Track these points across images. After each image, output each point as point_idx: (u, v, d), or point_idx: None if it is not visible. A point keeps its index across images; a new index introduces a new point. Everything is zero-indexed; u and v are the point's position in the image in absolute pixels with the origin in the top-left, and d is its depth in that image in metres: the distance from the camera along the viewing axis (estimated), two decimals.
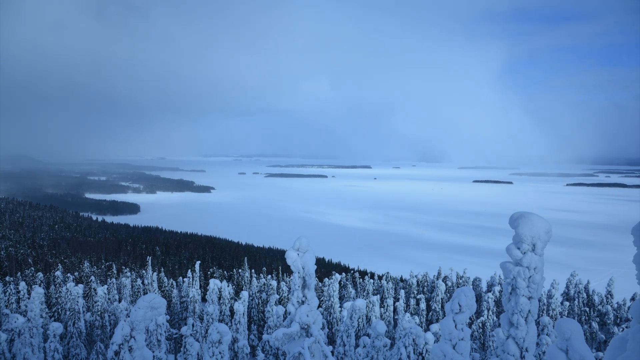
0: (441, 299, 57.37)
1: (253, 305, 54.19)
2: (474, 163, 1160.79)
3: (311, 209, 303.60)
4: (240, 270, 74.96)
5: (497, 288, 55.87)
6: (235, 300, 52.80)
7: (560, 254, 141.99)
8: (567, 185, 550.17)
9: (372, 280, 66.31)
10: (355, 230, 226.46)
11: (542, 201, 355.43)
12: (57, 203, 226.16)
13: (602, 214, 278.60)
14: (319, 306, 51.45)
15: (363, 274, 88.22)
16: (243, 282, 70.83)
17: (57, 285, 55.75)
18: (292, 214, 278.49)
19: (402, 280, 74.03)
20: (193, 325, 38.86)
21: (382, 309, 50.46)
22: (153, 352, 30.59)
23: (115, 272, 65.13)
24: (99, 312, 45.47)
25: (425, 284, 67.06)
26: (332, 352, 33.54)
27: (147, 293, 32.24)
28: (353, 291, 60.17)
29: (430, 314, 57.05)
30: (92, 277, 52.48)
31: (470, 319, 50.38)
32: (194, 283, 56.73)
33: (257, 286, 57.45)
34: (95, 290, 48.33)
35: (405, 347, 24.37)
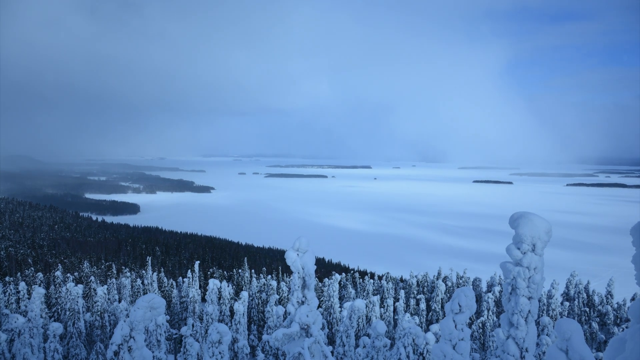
0: (441, 299, 57.37)
1: (253, 306, 54.19)
2: (475, 163, 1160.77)
3: (311, 211, 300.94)
4: (240, 271, 74.96)
5: (497, 288, 55.87)
6: (235, 300, 52.80)
7: (561, 257, 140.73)
8: (567, 185, 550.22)
9: (372, 281, 66.31)
10: (355, 233, 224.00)
11: (542, 202, 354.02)
12: (57, 203, 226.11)
13: (603, 216, 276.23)
14: (319, 306, 51.44)
15: (363, 274, 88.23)
16: (243, 282, 70.84)
17: (57, 286, 55.76)
18: (292, 216, 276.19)
19: (402, 280, 74.03)
20: (193, 326, 38.86)
21: (382, 309, 50.45)
22: (153, 352, 30.60)
23: (115, 272, 65.11)
24: (99, 312, 45.46)
25: (425, 284, 67.06)
26: (332, 353, 33.53)
27: (146, 293, 32.25)
28: (353, 291, 60.16)
29: (430, 314, 57.05)
30: (92, 277, 52.47)
31: (470, 319, 50.38)
32: (193, 283, 56.73)
33: (257, 286, 57.45)
34: (95, 290, 48.31)
35: (405, 347, 24.37)
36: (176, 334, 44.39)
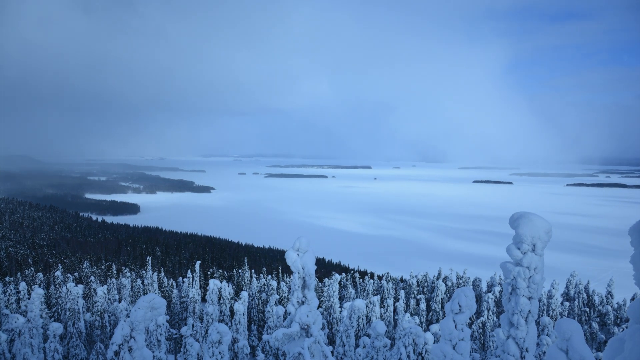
0: (441, 299, 57.37)
1: (253, 306, 54.20)
2: (475, 163, 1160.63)
3: (310, 213, 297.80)
4: (240, 271, 74.97)
5: (497, 288, 55.88)
6: (235, 300, 52.81)
7: (561, 261, 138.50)
8: (567, 185, 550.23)
9: (372, 281, 66.30)
10: (355, 236, 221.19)
11: (543, 203, 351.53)
12: (57, 203, 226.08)
13: (604, 217, 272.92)
14: (319, 306, 51.45)
15: (363, 274, 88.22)
16: (243, 283, 70.84)
17: (57, 286, 55.77)
18: (291, 218, 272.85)
19: (402, 280, 74.04)
20: (193, 326, 38.86)
21: (382, 309, 50.46)
22: (153, 352, 30.60)
23: (115, 272, 65.11)
24: (99, 313, 45.47)
25: (425, 284, 67.06)
26: (332, 353, 33.53)
27: (147, 293, 32.26)
28: (353, 291, 60.16)
29: (430, 314, 57.05)
30: (92, 278, 52.48)
31: (470, 319, 50.39)
32: (194, 283, 56.73)
33: (257, 286, 57.46)
34: (95, 290, 48.32)
35: (405, 347, 24.37)
36: (176, 334, 44.39)
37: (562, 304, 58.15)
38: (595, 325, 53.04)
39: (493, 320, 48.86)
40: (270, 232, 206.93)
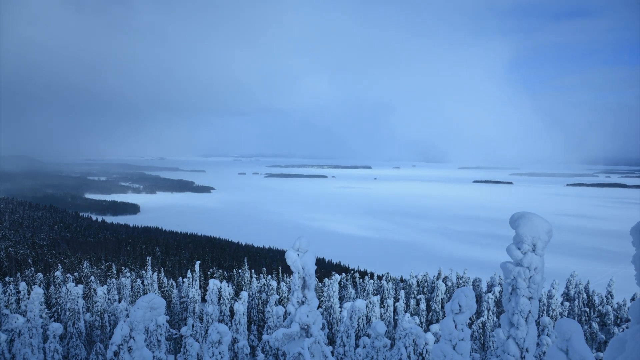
0: (441, 299, 57.37)
1: (253, 306, 54.19)
2: (475, 163, 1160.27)
3: (310, 215, 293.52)
4: (240, 271, 74.97)
5: (497, 288, 55.87)
6: (235, 300, 52.79)
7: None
8: (567, 185, 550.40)
9: (372, 281, 66.30)
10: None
11: (543, 204, 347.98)
12: (57, 203, 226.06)
13: (605, 219, 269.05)
14: (319, 306, 51.44)
15: (363, 274, 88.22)
16: (243, 283, 70.84)
17: (57, 286, 55.77)
18: (290, 220, 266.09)
19: (402, 280, 74.04)
20: (193, 326, 38.86)
21: (382, 309, 50.45)
22: (153, 352, 30.59)
23: (115, 272, 65.13)
24: (99, 313, 45.46)
25: (425, 284, 67.06)
26: (332, 353, 33.53)
27: (146, 293, 32.24)
28: (353, 291, 60.16)
29: (430, 314, 57.05)
30: (92, 278, 52.48)
31: (470, 319, 50.38)
32: (193, 283, 56.73)
33: (257, 286, 57.45)
34: (95, 290, 48.31)
35: (406, 348, 24.37)
36: (176, 334, 44.38)
37: (562, 304, 58.16)
38: (595, 325, 53.03)
39: (493, 320, 48.86)
40: (268, 234, 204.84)
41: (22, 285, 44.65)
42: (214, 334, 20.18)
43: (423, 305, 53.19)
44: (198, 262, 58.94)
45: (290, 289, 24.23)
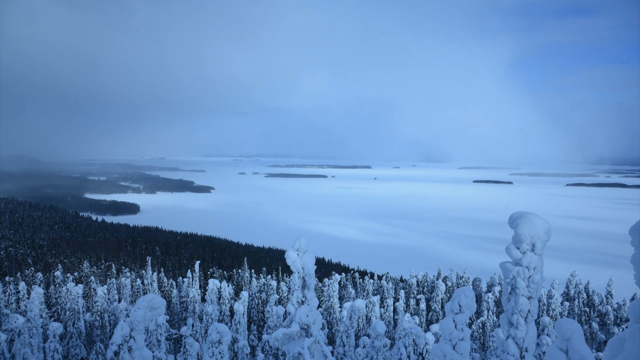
0: (441, 299, 57.38)
1: (253, 306, 54.19)
2: (475, 163, 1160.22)
3: (308, 217, 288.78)
4: (240, 271, 74.98)
5: (497, 288, 55.87)
6: (235, 300, 52.80)
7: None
8: (567, 185, 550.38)
9: (372, 281, 66.33)
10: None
11: (543, 205, 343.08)
12: (57, 203, 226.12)
13: (607, 221, 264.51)
14: (319, 306, 51.44)
15: (363, 274, 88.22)
16: (243, 282, 70.85)
17: (57, 286, 55.78)
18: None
19: (402, 280, 74.05)
20: (193, 326, 38.85)
21: (382, 309, 50.47)
22: (153, 352, 30.60)
23: (115, 272, 65.11)
24: (99, 312, 45.48)
25: (425, 284, 67.07)
26: (332, 353, 33.54)
27: (146, 293, 32.25)
28: (353, 291, 60.18)
29: (430, 314, 57.06)
30: (92, 277, 52.49)
31: (470, 319, 50.38)
32: (193, 283, 56.75)
33: (257, 286, 57.46)
34: (95, 290, 48.32)
35: (405, 348, 24.38)
36: (176, 334, 44.39)
37: (562, 304, 58.18)
38: (595, 325, 53.05)
39: (493, 320, 48.88)
40: (267, 236, 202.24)
41: (22, 285, 44.68)
42: (214, 333, 20.19)
43: (423, 305, 53.22)
44: (198, 262, 58.98)
45: (290, 288, 24.26)
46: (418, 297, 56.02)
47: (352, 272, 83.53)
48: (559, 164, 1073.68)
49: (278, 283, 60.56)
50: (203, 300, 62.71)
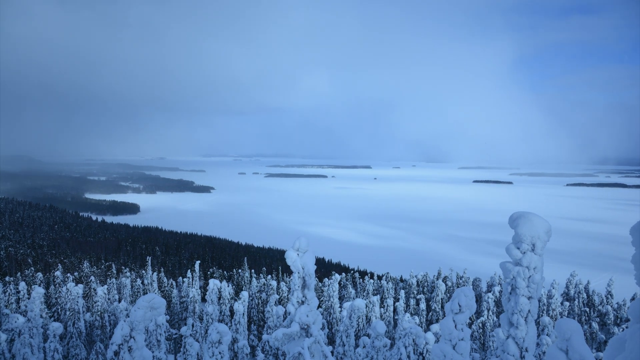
0: (441, 299, 57.37)
1: (253, 306, 54.20)
2: (477, 163, 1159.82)
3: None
4: (240, 271, 75.00)
5: (497, 288, 55.87)
6: (235, 300, 52.81)
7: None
8: (567, 185, 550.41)
9: (372, 281, 66.33)
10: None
11: (543, 206, 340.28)
12: (57, 203, 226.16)
13: (608, 223, 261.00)
14: (319, 306, 51.45)
15: (363, 274, 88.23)
16: (243, 282, 70.85)
17: (57, 286, 55.79)
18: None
19: (402, 280, 74.06)
20: (193, 326, 38.85)
21: (382, 309, 50.47)
22: (153, 352, 30.60)
23: (115, 272, 65.15)
24: (99, 312, 45.48)
25: (425, 284, 67.07)
26: (332, 353, 33.54)
27: (146, 293, 32.24)
28: (353, 291, 60.16)
29: (430, 314, 57.06)
30: (92, 277, 52.50)
31: (470, 319, 50.38)
32: (193, 283, 56.75)
33: (257, 286, 57.46)
34: (95, 290, 48.32)
35: (405, 347, 24.38)
36: (176, 334, 44.39)
37: (562, 304, 58.17)
38: (595, 325, 53.04)
39: (493, 320, 48.88)
40: (266, 237, 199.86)
41: (22, 285, 44.67)
42: (214, 333, 20.18)
43: (423, 305, 53.21)
44: (198, 262, 58.98)
45: (290, 288, 24.26)
46: (418, 297, 56.01)
47: (352, 272, 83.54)
48: (559, 163, 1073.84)
49: (278, 283, 60.57)
50: (203, 300, 62.73)
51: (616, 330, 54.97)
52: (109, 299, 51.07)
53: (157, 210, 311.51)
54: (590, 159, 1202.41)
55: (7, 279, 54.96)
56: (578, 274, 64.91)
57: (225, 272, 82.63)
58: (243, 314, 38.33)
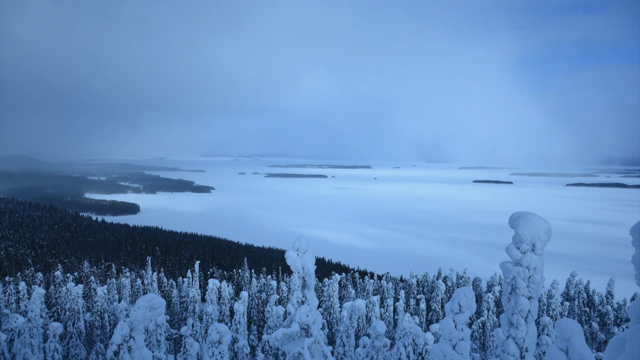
0: (441, 299, 57.36)
1: (253, 306, 54.20)
2: (478, 163, 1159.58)
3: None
4: (240, 270, 74.99)
5: (497, 288, 55.88)
6: (235, 300, 52.80)
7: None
8: (567, 185, 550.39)
9: (372, 281, 66.31)
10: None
11: (544, 207, 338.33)
12: (57, 203, 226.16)
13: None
14: (319, 306, 51.44)
15: (363, 274, 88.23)
16: (243, 282, 70.84)
17: (57, 286, 55.78)
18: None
19: (402, 280, 74.05)
20: (193, 326, 38.84)
21: (382, 309, 50.46)
22: (153, 352, 30.59)
23: (115, 272, 65.12)
24: (99, 312, 45.45)
25: (425, 284, 67.06)
26: (332, 353, 33.53)
27: (146, 293, 32.24)
28: (353, 291, 60.16)
29: (430, 314, 57.05)
30: (92, 277, 52.49)
31: (470, 319, 50.37)
32: (193, 283, 56.73)
33: (257, 286, 57.46)
34: (95, 290, 48.31)
35: (405, 347, 24.37)
36: (176, 334, 44.38)
37: (562, 304, 58.17)
38: (595, 325, 53.04)
39: (493, 320, 48.87)
40: (264, 240, 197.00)
41: (22, 285, 44.65)
42: (214, 333, 20.18)
43: (423, 305, 53.19)
44: (198, 262, 58.95)
45: (290, 288, 24.26)
46: (418, 297, 56.01)
47: (352, 272, 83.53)
48: (560, 163, 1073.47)
49: (278, 283, 60.56)
50: (203, 300, 62.71)
51: (616, 330, 54.96)
52: (108, 299, 51.06)
53: (157, 210, 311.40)
54: (593, 159, 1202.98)
55: (7, 279, 54.93)
56: (578, 274, 64.92)
57: (225, 272, 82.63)
58: (243, 314, 38.33)
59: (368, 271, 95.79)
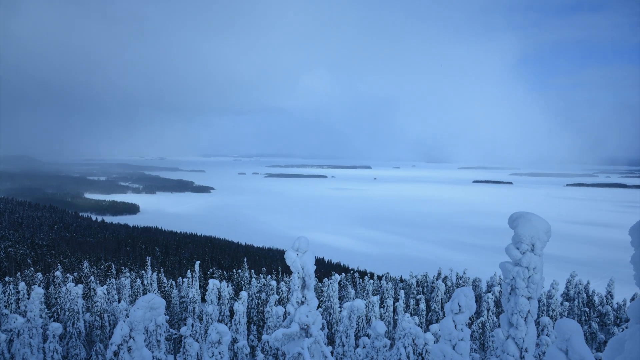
0: (441, 299, 57.36)
1: (253, 306, 54.19)
2: (478, 163, 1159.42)
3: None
4: (239, 271, 74.98)
5: (496, 288, 55.88)
6: (235, 300, 52.80)
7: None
8: (567, 185, 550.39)
9: (371, 281, 66.29)
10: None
11: (544, 207, 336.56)
12: (56, 203, 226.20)
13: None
14: (319, 306, 51.42)
15: (363, 274, 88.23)
16: (243, 283, 70.83)
17: (57, 286, 55.74)
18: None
19: (401, 280, 74.05)
20: (192, 326, 38.83)
21: (381, 309, 50.46)
22: (152, 352, 30.59)
23: (114, 272, 65.07)
24: (99, 313, 45.43)
25: (425, 284, 67.05)
26: (332, 353, 33.52)
27: (146, 293, 32.25)
28: (353, 291, 60.14)
29: (430, 314, 57.05)
30: (92, 278, 52.44)
31: (470, 319, 50.33)
32: (193, 283, 56.69)
33: (256, 286, 57.45)
34: (94, 290, 48.27)
35: (405, 348, 24.37)
36: (176, 334, 44.38)
37: (562, 304, 58.17)
38: (595, 325, 53.05)
39: (493, 320, 48.87)
40: (263, 241, 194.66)
41: (22, 285, 44.64)
42: (214, 334, 20.18)
43: (423, 305, 53.19)
44: (198, 262, 58.90)
45: (289, 289, 24.26)
46: (418, 297, 56.01)
47: (352, 272, 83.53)
48: (560, 164, 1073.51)
49: (278, 283, 60.55)
50: (203, 300, 62.70)
51: (616, 330, 54.96)
52: (108, 299, 51.04)
53: (156, 210, 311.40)
54: (594, 159, 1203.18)
55: (6, 279, 54.92)
56: (578, 274, 64.91)
57: (225, 272, 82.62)
58: (243, 314, 38.32)
59: (368, 271, 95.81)
